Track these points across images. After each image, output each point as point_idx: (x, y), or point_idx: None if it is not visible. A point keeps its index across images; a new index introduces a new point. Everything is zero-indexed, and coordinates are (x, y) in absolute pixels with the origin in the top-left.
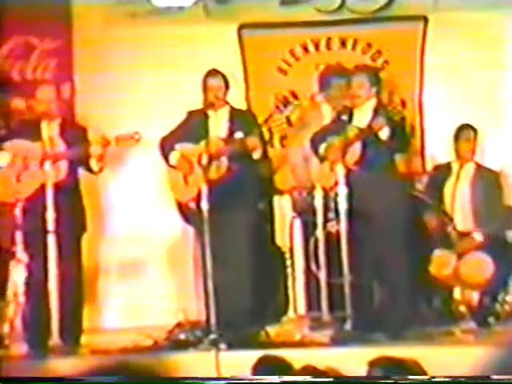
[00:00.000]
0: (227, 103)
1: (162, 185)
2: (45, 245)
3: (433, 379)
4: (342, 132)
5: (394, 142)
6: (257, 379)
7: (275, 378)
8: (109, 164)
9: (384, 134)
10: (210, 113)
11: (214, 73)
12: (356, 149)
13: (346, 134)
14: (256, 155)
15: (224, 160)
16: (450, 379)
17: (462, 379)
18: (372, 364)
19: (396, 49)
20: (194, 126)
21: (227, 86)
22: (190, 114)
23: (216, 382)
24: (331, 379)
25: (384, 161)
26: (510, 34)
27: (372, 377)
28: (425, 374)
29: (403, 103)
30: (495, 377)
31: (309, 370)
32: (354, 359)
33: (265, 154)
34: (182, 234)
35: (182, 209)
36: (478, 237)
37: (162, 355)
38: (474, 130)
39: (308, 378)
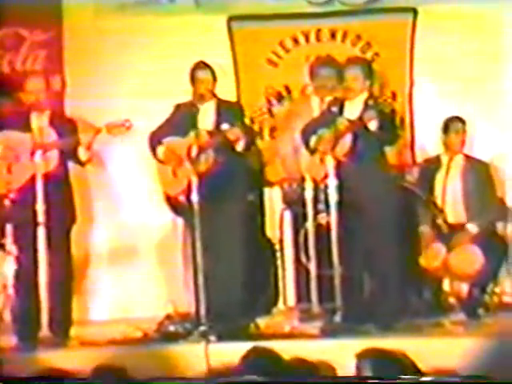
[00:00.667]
0: (215, 96)
1: (151, 176)
2: (34, 237)
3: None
4: (332, 124)
5: (383, 133)
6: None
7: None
8: (98, 154)
9: (373, 125)
10: (198, 105)
11: (201, 65)
12: (346, 141)
13: (336, 126)
14: (239, 147)
15: (211, 152)
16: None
17: (458, 379)
18: (360, 356)
19: (386, 41)
20: (181, 120)
21: (215, 79)
22: (178, 107)
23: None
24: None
25: (374, 153)
26: (500, 25)
27: (370, 377)
28: (413, 365)
29: (394, 95)
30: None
31: (298, 362)
32: (344, 351)
33: (248, 146)
34: (171, 226)
35: (171, 201)
36: (469, 229)
37: (151, 347)
38: (463, 122)
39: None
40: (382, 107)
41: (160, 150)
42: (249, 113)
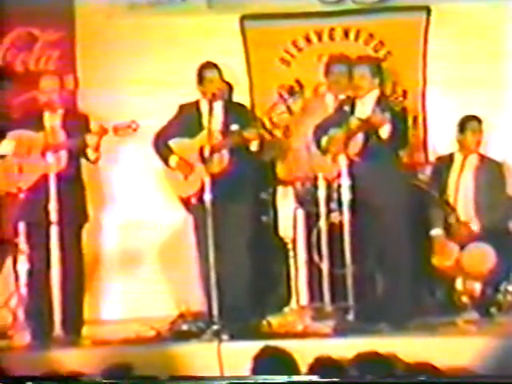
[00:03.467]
0: (222, 96)
1: (162, 177)
2: (47, 236)
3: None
4: (345, 123)
5: (393, 140)
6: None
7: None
8: (109, 154)
9: (385, 131)
10: (205, 106)
11: (209, 65)
12: (358, 140)
13: (348, 125)
14: (254, 147)
15: (225, 153)
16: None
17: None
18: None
19: (399, 39)
20: (187, 120)
21: (222, 78)
22: (182, 107)
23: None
24: (334, 379)
25: (386, 152)
26: None
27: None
28: (406, 366)
29: (405, 94)
30: None
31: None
32: (357, 350)
33: (262, 146)
34: (184, 225)
35: (183, 202)
36: (481, 227)
37: (164, 346)
38: (479, 121)
39: (314, 378)
40: (392, 105)
41: (172, 159)
42: (260, 112)
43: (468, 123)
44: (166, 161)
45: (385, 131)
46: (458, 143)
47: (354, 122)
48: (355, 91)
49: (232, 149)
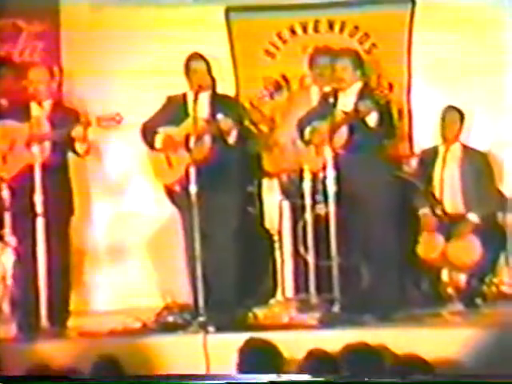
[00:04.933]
0: (209, 87)
1: (146, 167)
2: (33, 228)
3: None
4: (329, 115)
5: (381, 128)
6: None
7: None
8: (95, 147)
9: (372, 120)
10: (191, 97)
11: (195, 56)
12: (343, 132)
13: (333, 117)
14: (231, 139)
15: (207, 139)
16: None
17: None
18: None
19: (384, 31)
20: (174, 111)
21: (210, 70)
22: (170, 99)
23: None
24: (332, 379)
25: (372, 144)
26: (499, 17)
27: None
28: (395, 357)
29: (391, 86)
30: None
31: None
32: (342, 341)
33: (239, 139)
34: (170, 217)
35: (167, 191)
36: (470, 219)
37: (150, 338)
38: (459, 112)
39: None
40: (377, 98)
41: (158, 137)
42: (247, 104)
43: (447, 114)
44: (151, 144)
45: (372, 119)
46: (440, 134)
47: (338, 114)
48: (338, 83)
49: (215, 137)
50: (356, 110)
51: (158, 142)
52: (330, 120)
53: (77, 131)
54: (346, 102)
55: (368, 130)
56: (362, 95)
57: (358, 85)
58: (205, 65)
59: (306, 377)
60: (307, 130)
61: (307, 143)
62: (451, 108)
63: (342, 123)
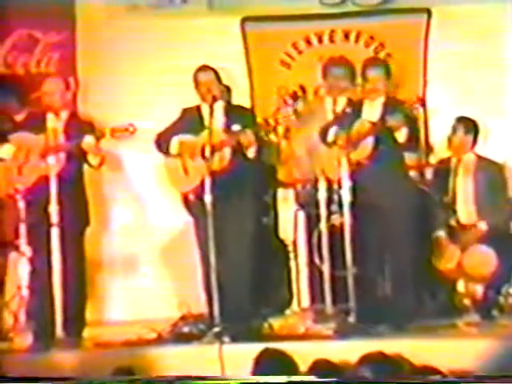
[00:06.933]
0: (222, 97)
1: (163, 177)
2: (48, 238)
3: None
4: (354, 125)
5: (408, 143)
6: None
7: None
8: (110, 157)
9: (402, 135)
10: (206, 109)
11: (204, 68)
12: (368, 143)
13: (359, 127)
14: (250, 153)
15: (227, 152)
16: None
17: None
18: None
19: (399, 42)
20: (190, 122)
21: (219, 79)
22: (185, 111)
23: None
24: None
25: (395, 156)
26: None
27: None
28: (413, 367)
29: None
30: None
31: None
32: (358, 352)
33: (259, 153)
34: (184, 227)
35: (183, 199)
36: (479, 227)
37: (165, 348)
38: (473, 122)
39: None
40: (407, 112)
41: (173, 143)
42: (262, 114)
43: (460, 124)
44: (166, 151)
45: (402, 135)
46: (452, 145)
47: (364, 123)
48: (368, 93)
49: (235, 150)
50: (384, 122)
51: (174, 147)
52: (356, 129)
53: (87, 143)
54: (372, 112)
55: (394, 143)
56: (389, 107)
57: (384, 96)
58: (213, 74)
59: (313, 378)
60: (331, 133)
61: (330, 145)
62: (463, 118)
63: (368, 133)
